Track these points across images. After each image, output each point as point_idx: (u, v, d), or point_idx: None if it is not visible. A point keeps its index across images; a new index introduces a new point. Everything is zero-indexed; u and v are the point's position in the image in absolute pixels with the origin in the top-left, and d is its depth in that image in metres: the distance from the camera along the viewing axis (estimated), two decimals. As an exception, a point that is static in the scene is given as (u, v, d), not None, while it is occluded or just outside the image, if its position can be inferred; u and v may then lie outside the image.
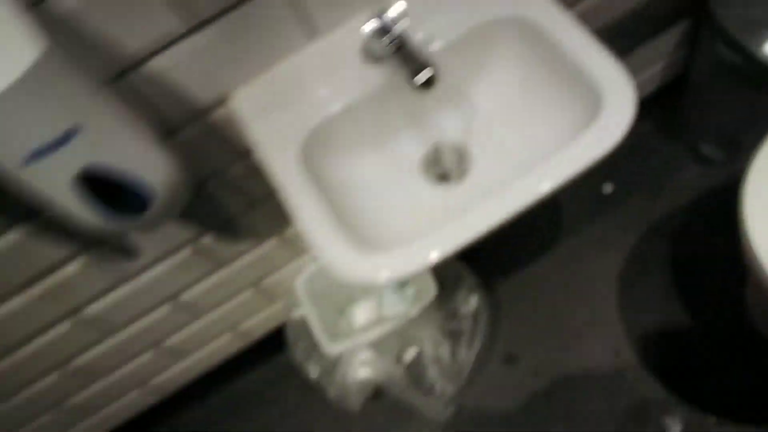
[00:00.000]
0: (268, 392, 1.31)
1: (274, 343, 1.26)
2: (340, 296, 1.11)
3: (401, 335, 0.98)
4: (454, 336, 1.06)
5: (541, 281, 1.27)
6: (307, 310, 1.00)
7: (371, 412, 1.21)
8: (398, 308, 1.09)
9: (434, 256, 0.56)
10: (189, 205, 0.67)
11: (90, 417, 1.12)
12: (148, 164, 0.56)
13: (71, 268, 0.75)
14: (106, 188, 0.54)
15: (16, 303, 0.76)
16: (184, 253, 0.86)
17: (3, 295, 0.74)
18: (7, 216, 0.64)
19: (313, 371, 1.05)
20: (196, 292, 0.95)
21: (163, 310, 0.94)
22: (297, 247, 1.01)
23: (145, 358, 1.04)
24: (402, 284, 1.16)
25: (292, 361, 1.09)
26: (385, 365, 0.95)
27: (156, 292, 0.90)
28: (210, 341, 1.11)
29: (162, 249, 0.83)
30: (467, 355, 1.07)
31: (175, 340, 1.04)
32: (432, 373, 1.03)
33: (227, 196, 0.81)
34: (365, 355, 0.95)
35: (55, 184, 0.51)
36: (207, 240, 0.86)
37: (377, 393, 1.14)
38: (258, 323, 1.14)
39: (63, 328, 0.85)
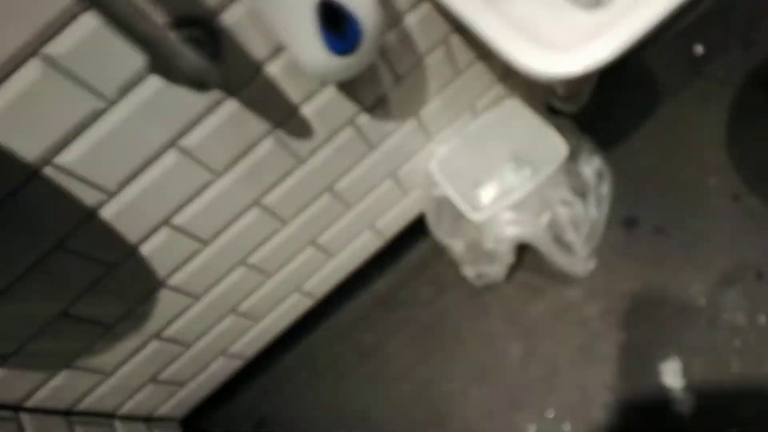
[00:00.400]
0: (401, 293, 1.41)
1: (403, 245, 1.36)
2: (465, 180, 1.19)
3: (538, 198, 1.05)
4: (583, 196, 1.13)
5: (649, 145, 1.32)
6: (446, 188, 1.08)
7: (507, 296, 1.30)
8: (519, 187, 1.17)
9: (620, 43, 0.64)
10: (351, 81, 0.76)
11: (257, 324, 1.23)
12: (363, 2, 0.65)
13: (264, 147, 0.85)
14: (332, 22, 0.63)
15: (222, 185, 0.86)
16: (345, 134, 0.95)
17: (210, 180, 0.85)
18: (221, 90, 0.74)
19: (457, 246, 1.14)
20: (348, 182, 1.05)
21: (323, 200, 1.04)
22: (429, 132, 1.09)
23: (304, 256, 1.14)
24: (521, 164, 1.23)
25: (436, 241, 1.18)
26: (530, 222, 1.03)
27: (320, 178, 0.99)
28: (354, 238, 1.21)
29: (329, 128, 0.92)
30: (599, 213, 1.14)
31: (326, 237, 1.14)
32: (569, 232, 1.10)
33: (381, 69, 0.89)
34: (509, 215, 1.03)
35: (298, 9, 0.60)
36: (362, 119, 0.95)
37: (519, 258, 1.23)
38: (393, 219, 1.23)
39: (252, 216, 0.95)
